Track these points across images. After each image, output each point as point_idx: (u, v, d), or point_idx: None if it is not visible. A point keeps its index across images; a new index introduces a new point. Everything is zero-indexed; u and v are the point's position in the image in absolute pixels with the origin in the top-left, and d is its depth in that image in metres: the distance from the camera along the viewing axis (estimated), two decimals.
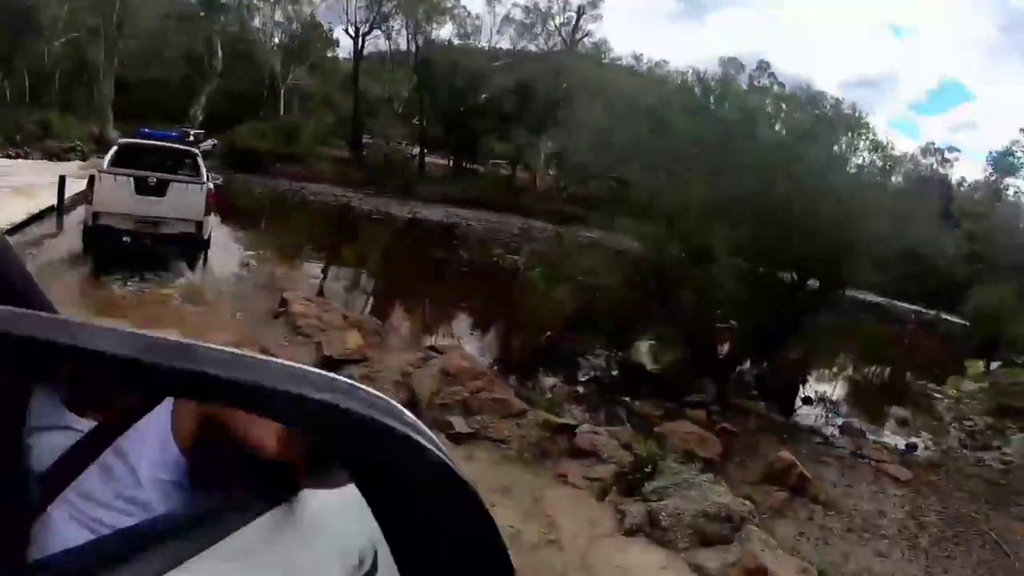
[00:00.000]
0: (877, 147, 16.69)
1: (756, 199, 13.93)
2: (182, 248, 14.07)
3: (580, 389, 13.36)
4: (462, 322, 17.89)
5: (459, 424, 8.67)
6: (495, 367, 12.95)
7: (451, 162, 54.15)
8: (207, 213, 14.10)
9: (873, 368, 22.55)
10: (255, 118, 47.55)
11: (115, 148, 14.90)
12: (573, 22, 53.11)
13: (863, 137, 16.55)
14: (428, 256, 25.37)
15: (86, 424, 1.02)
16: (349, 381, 0.71)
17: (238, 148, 40.89)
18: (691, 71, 28.37)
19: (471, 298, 20.94)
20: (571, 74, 50.51)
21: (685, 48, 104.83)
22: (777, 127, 16.97)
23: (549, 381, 13.75)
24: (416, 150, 53.03)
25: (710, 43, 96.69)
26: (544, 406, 9.94)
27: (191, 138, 36.37)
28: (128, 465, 1.00)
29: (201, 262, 14.79)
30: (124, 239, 13.34)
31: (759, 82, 54.28)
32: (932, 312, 31.52)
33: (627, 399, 12.95)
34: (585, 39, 54.07)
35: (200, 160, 15.11)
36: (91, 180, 13.60)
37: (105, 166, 13.93)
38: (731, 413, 12.94)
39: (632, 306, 14.53)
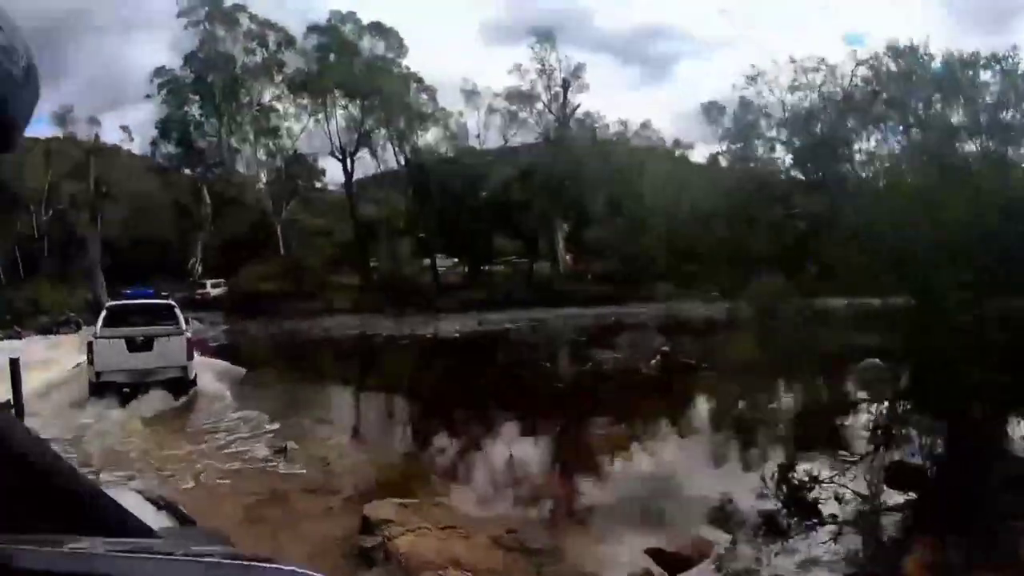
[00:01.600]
0: None
1: None
2: (172, 391, 14.94)
3: None
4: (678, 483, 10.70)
5: None
6: None
7: (466, 268, 49.14)
8: (190, 358, 15.37)
9: None
10: (255, 260, 42.62)
11: (104, 312, 16.45)
12: (561, 98, 48.43)
13: None
14: (511, 378, 18.39)
15: None
16: None
17: (243, 293, 36.43)
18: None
19: (637, 430, 13.79)
20: (572, 150, 46.14)
21: (652, 111, 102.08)
22: None
23: None
24: (427, 263, 48.26)
25: (677, 102, 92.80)
26: None
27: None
28: None
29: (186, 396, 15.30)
30: (124, 390, 14.56)
31: None
32: None
33: None
34: (576, 112, 49.19)
35: (178, 311, 16.44)
36: (90, 345, 15.10)
37: (97, 330, 15.43)
38: None
39: None
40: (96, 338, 15.12)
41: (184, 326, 15.85)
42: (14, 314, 32.65)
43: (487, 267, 49.81)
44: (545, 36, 48.04)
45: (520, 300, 39.83)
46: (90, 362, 14.96)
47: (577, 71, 48.54)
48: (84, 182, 42.92)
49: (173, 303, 17.08)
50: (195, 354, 15.96)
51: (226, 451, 11.30)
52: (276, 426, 12.83)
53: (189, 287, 42.97)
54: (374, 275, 46.51)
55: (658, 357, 18.39)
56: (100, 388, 14.72)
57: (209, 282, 42.69)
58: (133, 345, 14.93)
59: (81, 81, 70.85)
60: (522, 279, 47.33)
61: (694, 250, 44.01)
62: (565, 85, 48.41)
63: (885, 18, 71.94)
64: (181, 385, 15.14)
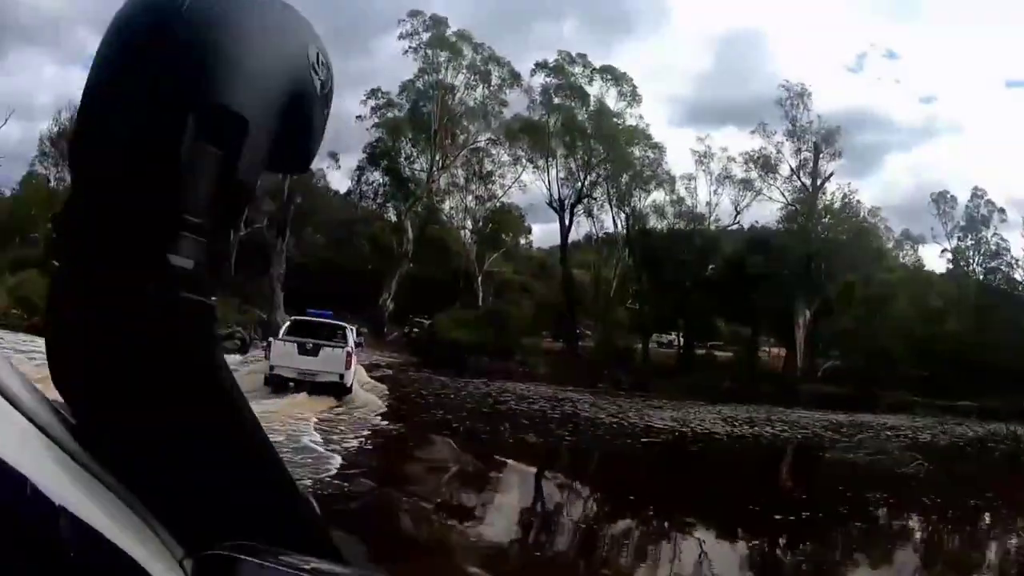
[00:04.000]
0: None
1: None
2: (331, 393, 17.35)
3: None
4: None
5: None
6: None
7: (680, 348, 41.19)
8: (348, 367, 17.69)
9: None
10: (451, 307, 36.60)
11: (288, 323, 20.40)
12: (812, 164, 39.64)
13: None
14: None
15: None
16: None
17: (439, 340, 30.11)
18: None
19: None
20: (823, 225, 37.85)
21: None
22: None
23: None
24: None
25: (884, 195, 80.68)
26: None
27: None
28: None
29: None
30: (290, 384, 17.20)
31: None
32: None
33: None
34: (828, 182, 40.12)
35: (348, 332, 19.62)
36: (269, 344, 18.44)
37: (281, 335, 18.62)
38: None
39: None
40: (274, 340, 18.29)
41: (350, 344, 18.40)
42: None
43: (704, 351, 41.71)
44: (797, 93, 39.86)
45: (744, 393, 31.41)
46: (266, 357, 18.10)
47: (830, 136, 39.79)
48: (275, 201, 39.02)
49: (346, 325, 20.37)
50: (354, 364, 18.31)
51: None
52: None
53: (406, 322, 39.76)
54: (578, 343, 39.64)
55: None
56: (271, 380, 17.18)
57: (426, 321, 38.04)
58: (303, 349, 17.55)
59: None
60: (744, 368, 38.81)
61: (955, 358, 34.30)
62: (816, 150, 39.76)
63: None
64: (338, 389, 17.57)
